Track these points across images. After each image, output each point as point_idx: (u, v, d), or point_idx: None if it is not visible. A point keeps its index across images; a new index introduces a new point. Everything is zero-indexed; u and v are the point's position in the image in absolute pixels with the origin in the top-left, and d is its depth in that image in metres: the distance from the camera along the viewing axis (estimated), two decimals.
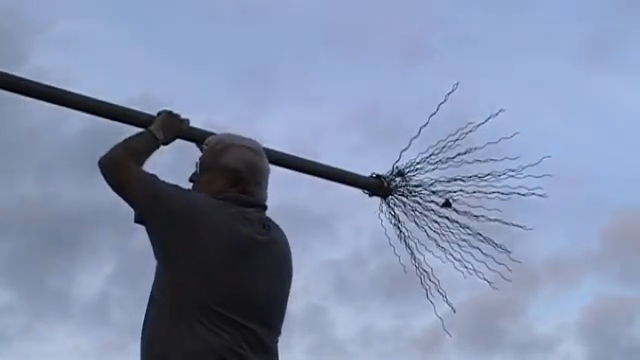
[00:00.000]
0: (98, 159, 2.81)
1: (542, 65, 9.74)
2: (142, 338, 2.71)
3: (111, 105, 3.26)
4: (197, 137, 3.26)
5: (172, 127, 3.06)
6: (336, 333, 9.14)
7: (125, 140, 2.88)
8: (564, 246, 9.50)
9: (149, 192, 2.74)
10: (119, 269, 8.76)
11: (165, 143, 3.03)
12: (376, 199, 3.63)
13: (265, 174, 2.94)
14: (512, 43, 9.76)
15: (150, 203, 2.73)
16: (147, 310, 2.75)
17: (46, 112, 8.05)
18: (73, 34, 8.74)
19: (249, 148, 2.93)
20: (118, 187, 2.77)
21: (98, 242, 8.94)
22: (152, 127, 2.98)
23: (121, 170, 2.78)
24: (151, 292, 2.77)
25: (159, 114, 3.10)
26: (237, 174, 2.85)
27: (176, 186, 2.80)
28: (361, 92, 9.37)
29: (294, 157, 3.50)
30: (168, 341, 2.62)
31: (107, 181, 2.79)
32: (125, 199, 2.77)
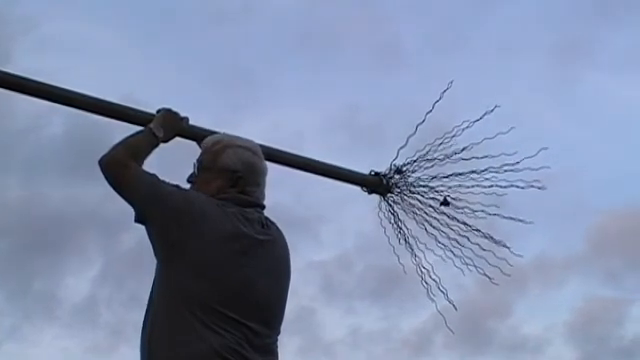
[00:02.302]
0: (98, 159, 2.79)
1: (518, 64, 9.77)
2: (142, 339, 2.71)
3: (110, 103, 3.25)
4: (196, 135, 3.26)
5: (172, 125, 3.06)
6: (325, 334, 9.15)
7: (125, 139, 2.87)
8: (549, 247, 9.55)
9: (150, 191, 2.74)
10: (105, 270, 8.75)
11: (165, 141, 3.02)
12: (372, 196, 3.64)
13: (263, 174, 2.96)
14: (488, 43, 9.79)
15: (150, 202, 2.73)
16: (147, 310, 2.75)
17: (29, 113, 8.05)
18: (56, 36, 8.71)
19: (247, 148, 2.95)
20: (118, 186, 2.76)
21: (84, 243, 8.94)
22: (152, 125, 2.97)
23: (121, 169, 2.77)
24: (151, 292, 2.77)
25: (158, 112, 3.10)
26: (236, 174, 2.87)
27: (176, 186, 2.81)
28: (340, 94, 9.41)
29: (293, 154, 3.50)
30: (170, 343, 2.62)
31: (107, 180, 2.77)
32: (125, 199, 2.77)
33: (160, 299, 2.71)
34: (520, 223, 3.62)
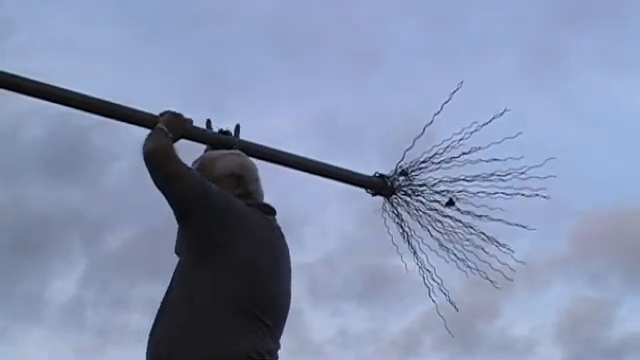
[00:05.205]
0: (144, 152, 2.75)
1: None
2: (159, 337, 2.67)
3: (113, 104, 3.19)
4: (201, 137, 3.24)
5: (178, 127, 3.03)
6: (313, 335, 9.13)
7: (153, 137, 2.84)
8: (534, 248, 9.58)
9: (200, 187, 2.74)
10: (90, 272, 8.69)
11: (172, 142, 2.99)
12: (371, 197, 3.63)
13: (256, 169, 3.06)
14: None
15: (197, 198, 2.72)
16: (163, 309, 2.72)
17: (9, 114, 7.97)
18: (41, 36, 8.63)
19: (232, 153, 3.06)
20: (167, 180, 2.73)
21: (68, 245, 8.88)
22: (162, 127, 2.94)
23: (171, 163, 2.75)
24: (171, 290, 2.75)
25: (162, 114, 3.06)
26: (235, 177, 2.95)
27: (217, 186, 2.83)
28: (317, 98, 9.42)
29: (296, 156, 3.48)
30: (197, 342, 2.60)
31: (156, 174, 2.73)
32: (170, 193, 2.72)
33: (187, 297, 2.68)
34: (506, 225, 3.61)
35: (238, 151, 3.10)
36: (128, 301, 8.31)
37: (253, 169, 3.03)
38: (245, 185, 2.94)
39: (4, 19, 8.33)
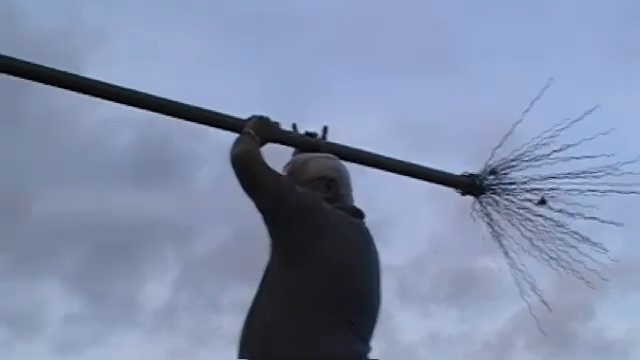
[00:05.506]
0: (231, 157, 2.77)
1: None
2: (250, 338, 2.68)
3: (200, 109, 3.23)
4: (288, 140, 3.24)
5: (265, 131, 3.03)
6: (404, 338, 9.08)
7: (241, 141, 2.86)
8: (626, 246, 9.30)
9: (287, 191, 2.76)
10: (183, 276, 8.83)
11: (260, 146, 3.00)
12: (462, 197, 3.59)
13: (349, 175, 3.04)
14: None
15: (287, 203, 2.74)
16: (253, 310, 2.74)
17: (98, 123, 8.16)
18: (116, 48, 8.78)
19: (325, 156, 3.05)
20: (254, 185, 2.74)
21: (159, 250, 9.02)
22: (250, 131, 2.95)
23: (259, 167, 2.77)
24: (259, 291, 2.77)
25: (249, 119, 3.08)
26: (327, 180, 2.93)
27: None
28: (395, 99, 9.34)
29: (381, 156, 3.47)
30: (286, 342, 2.61)
31: (243, 179, 2.74)
32: (257, 197, 2.74)
33: (275, 296, 2.70)
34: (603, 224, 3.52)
35: (331, 155, 3.09)
36: (220, 304, 8.43)
37: (345, 173, 3.02)
38: (336, 188, 2.93)
39: (91, 31, 8.55)
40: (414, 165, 3.48)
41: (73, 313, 8.83)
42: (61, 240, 8.79)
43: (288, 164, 3.06)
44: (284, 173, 3.00)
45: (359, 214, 2.94)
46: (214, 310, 8.54)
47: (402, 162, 3.47)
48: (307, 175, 2.94)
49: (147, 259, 9.10)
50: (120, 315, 8.97)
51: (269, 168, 2.80)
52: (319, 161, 3.00)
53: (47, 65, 3.01)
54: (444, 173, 3.52)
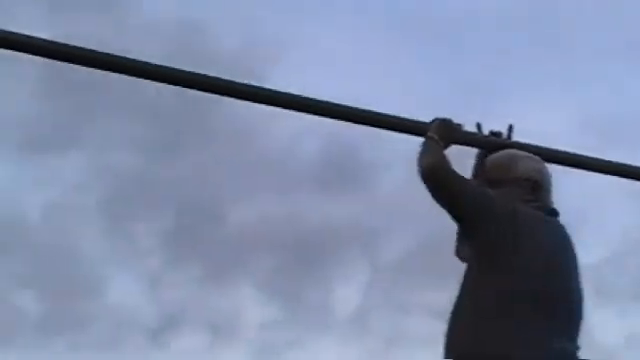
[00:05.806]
0: (420, 169, 2.84)
1: None
2: (459, 336, 2.71)
3: (383, 115, 3.27)
4: (473, 141, 3.22)
5: (449, 134, 3.04)
6: (601, 337, 8.76)
7: (426, 149, 2.91)
8: None
9: (482, 200, 2.80)
10: (373, 280, 8.89)
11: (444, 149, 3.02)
12: None
13: (551, 178, 3.02)
14: None
15: (484, 211, 2.77)
16: (455, 312, 2.77)
17: (286, 132, 8.38)
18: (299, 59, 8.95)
19: (532, 157, 3.04)
20: (450, 197, 2.80)
21: (349, 255, 9.13)
22: (434, 135, 2.97)
23: (451, 179, 2.82)
24: (459, 294, 2.79)
25: (432, 122, 3.08)
26: (531, 182, 2.93)
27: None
28: (584, 90, 8.99)
29: (573, 154, 3.40)
30: (501, 342, 2.62)
31: (437, 192, 2.81)
32: (453, 209, 2.80)
33: (474, 299, 2.72)
34: None
35: (537, 157, 3.06)
36: (410, 307, 8.43)
37: (548, 177, 3.00)
38: (538, 191, 2.93)
39: (275, 43, 8.78)
40: (606, 161, 3.39)
41: (269, 319, 9.09)
42: (255, 247, 9.09)
43: (490, 160, 3.06)
44: (478, 163, 3.08)
45: (554, 213, 2.93)
46: (405, 313, 8.55)
47: (594, 159, 3.39)
48: (514, 174, 2.94)
49: (337, 264, 9.24)
50: (314, 320, 9.15)
51: (459, 176, 2.83)
52: (527, 162, 2.98)
53: (236, 80, 3.15)
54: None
